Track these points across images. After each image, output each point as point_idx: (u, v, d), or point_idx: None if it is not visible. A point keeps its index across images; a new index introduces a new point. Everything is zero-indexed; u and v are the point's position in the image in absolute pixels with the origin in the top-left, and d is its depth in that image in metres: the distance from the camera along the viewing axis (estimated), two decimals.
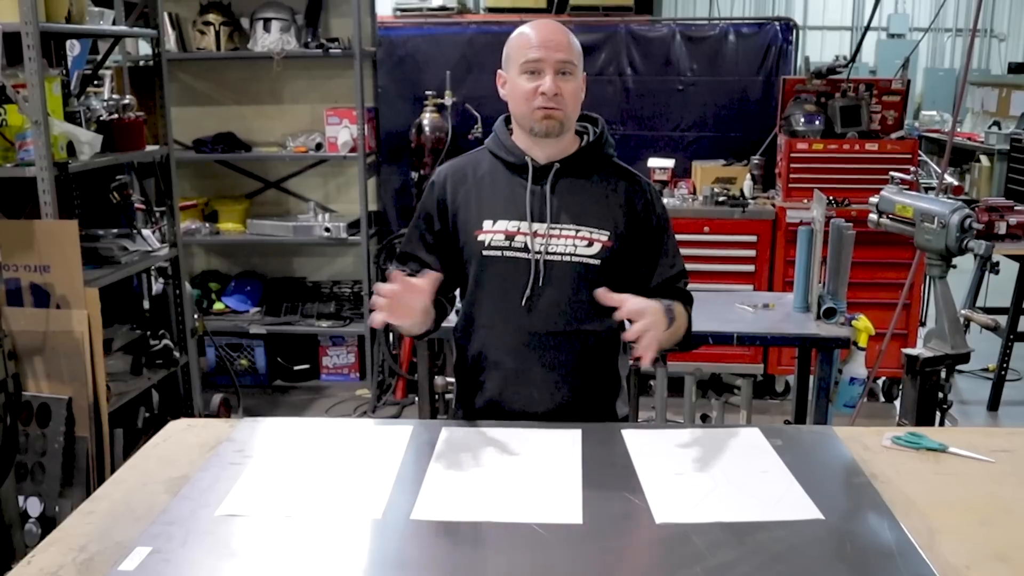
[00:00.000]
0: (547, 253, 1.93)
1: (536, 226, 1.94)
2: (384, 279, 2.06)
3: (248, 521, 1.51)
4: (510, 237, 1.95)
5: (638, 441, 1.82)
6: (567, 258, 1.93)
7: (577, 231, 1.94)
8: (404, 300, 1.79)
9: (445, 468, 1.70)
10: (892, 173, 2.92)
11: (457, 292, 2.12)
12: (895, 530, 1.46)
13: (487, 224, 1.97)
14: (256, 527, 1.49)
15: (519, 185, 1.97)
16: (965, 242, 2.59)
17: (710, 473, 1.68)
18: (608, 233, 1.95)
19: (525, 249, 1.94)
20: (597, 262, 1.94)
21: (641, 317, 1.72)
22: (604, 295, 1.77)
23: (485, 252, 1.96)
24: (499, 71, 2.01)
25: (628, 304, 1.74)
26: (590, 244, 1.94)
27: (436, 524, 1.50)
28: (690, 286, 2.06)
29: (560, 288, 1.93)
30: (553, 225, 1.94)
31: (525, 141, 1.99)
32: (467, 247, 1.99)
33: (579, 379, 1.99)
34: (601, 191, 1.99)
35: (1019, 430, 1.94)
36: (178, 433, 1.91)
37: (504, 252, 1.95)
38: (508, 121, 2.04)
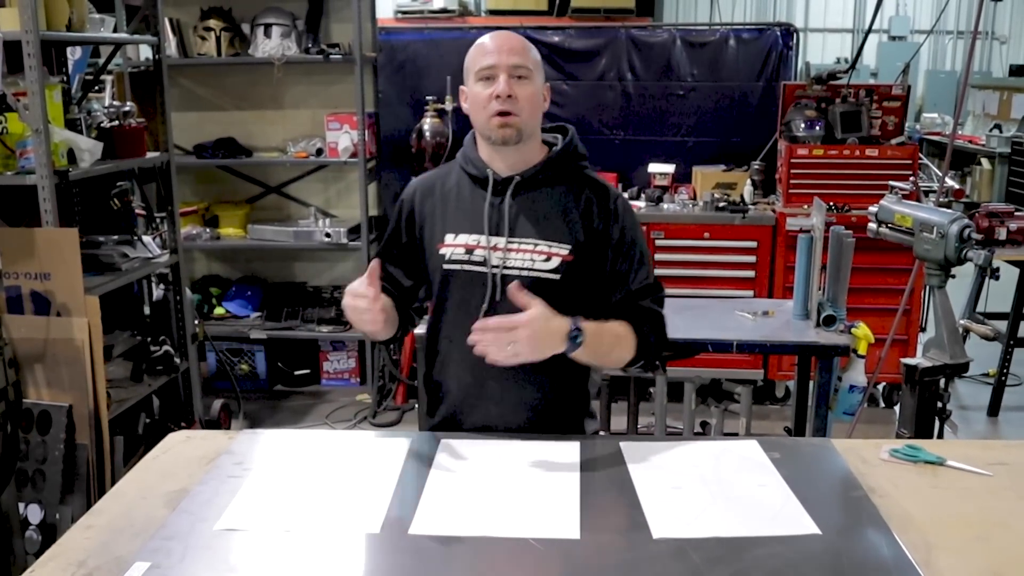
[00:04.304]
0: (505, 267, 1.91)
1: (494, 240, 1.92)
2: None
3: (247, 536, 1.51)
4: (470, 251, 1.93)
5: (636, 454, 1.82)
6: (524, 273, 1.90)
7: (535, 245, 1.91)
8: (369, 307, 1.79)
9: (443, 481, 1.70)
10: (891, 183, 2.91)
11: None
12: (892, 546, 1.46)
13: (449, 237, 1.96)
14: (255, 542, 1.50)
15: (480, 198, 1.95)
16: (964, 252, 2.58)
17: (707, 487, 1.68)
18: (568, 247, 1.91)
19: (484, 263, 1.92)
20: (556, 277, 1.90)
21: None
22: (515, 292, 1.73)
23: (446, 265, 1.95)
24: (461, 87, 1.99)
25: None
26: (548, 259, 1.91)
27: (434, 538, 1.50)
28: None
29: (517, 303, 1.87)
30: (511, 239, 1.92)
31: (488, 153, 1.96)
32: (431, 260, 1.99)
33: (539, 396, 1.96)
34: (564, 203, 1.94)
35: (1016, 443, 1.94)
36: (177, 445, 1.91)
37: (464, 266, 1.94)
38: None
